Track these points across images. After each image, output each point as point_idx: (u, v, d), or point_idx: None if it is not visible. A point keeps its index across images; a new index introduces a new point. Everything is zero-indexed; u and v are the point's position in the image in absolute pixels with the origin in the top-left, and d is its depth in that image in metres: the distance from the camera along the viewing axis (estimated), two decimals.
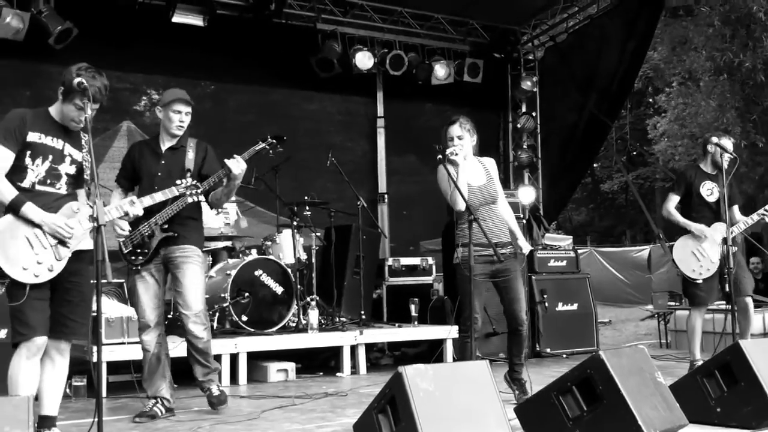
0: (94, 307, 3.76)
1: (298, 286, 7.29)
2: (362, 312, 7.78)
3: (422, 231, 10.29)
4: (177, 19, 8.49)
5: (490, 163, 5.51)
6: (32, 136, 4.01)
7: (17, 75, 8.21)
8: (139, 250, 5.16)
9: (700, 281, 6.42)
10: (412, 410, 3.47)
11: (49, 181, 4.05)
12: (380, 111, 10.56)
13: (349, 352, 7.25)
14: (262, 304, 7.03)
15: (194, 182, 4.95)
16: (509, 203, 5.65)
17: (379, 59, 9.85)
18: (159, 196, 4.78)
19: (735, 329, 5.95)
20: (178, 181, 4.92)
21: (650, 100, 25.83)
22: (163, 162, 5.24)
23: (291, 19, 9.37)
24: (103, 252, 3.54)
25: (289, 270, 7.23)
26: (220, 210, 7.32)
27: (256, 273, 7.03)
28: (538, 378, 5.23)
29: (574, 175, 11.73)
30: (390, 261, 8.84)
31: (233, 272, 6.88)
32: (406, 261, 8.94)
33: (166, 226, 5.13)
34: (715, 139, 6.51)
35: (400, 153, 10.70)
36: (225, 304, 6.80)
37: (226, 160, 5.10)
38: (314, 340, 7.11)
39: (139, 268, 5.19)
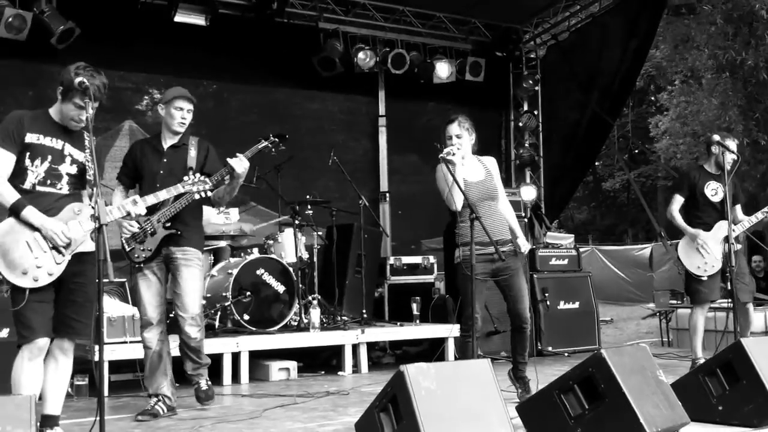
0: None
1: (300, 285, 7.29)
2: (364, 311, 7.79)
3: (424, 230, 10.29)
4: (179, 18, 8.50)
5: (490, 162, 5.51)
6: (30, 137, 4.02)
7: (20, 75, 8.21)
8: (142, 248, 5.17)
9: (705, 278, 6.47)
10: (414, 409, 3.47)
11: (49, 182, 4.05)
12: (382, 110, 10.55)
13: (350, 350, 7.26)
14: (263, 303, 7.04)
15: (202, 177, 4.94)
16: (511, 201, 5.66)
17: (381, 58, 9.85)
18: (163, 194, 4.77)
19: (741, 324, 6.01)
20: (185, 178, 4.91)
21: (652, 98, 25.79)
22: (165, 160, 5.24)
23: (293, 18, 9.38)
24: (105, 252, 3.55)
25: (291, 269, 7.24)
26: (220, 210, 7.33)
27: (258, 272, 7.04)
28: (539, 376, 5.23)
29: (575, 173, 11.72)
30: (391, 260, 8.85)
31: (235, 271, 6.88)
32: (407, 260, 8.95)
33: (169, 224, 5.14)
34: (717, 138, 6.51)
35: (402, 152, 10.70)
36: (227, 303, 6.81)
37: (229, 159, 5.10)
38: (316, 338, 7.12)
39: (141, 265, 5.20)
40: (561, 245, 9.07)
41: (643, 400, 3.79)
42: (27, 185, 4.02)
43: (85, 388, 6.10)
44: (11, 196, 3.94)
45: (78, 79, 3.92)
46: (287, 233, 7.61)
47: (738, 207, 6.68)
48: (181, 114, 5.25)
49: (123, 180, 5.36)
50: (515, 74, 11.18)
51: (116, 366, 6.32)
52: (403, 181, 10.64)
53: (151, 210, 5.00)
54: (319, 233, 7.93)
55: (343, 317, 7.74)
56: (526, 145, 11.18)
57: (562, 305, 8.58)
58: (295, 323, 7.30)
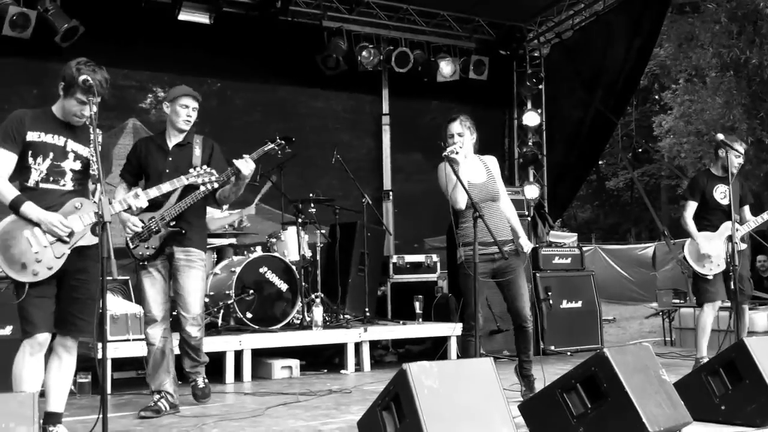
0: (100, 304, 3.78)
1: (303, 284, 7.31)
2: (366, 309, 7.80)
3: (427, 228, 10.28)
4: (183, 16, 8.51)
5: (491, 161, 5.51)
6: (31, 136, 4.05)
7: (24, 73, 8.22)
8: (146, 246, 5.19)
9: (710, 277, 6.55)
10: (417, 407, 3.47)
11: (52, 179, 4.08)
12: (385, 108, 10.55)
13: (353, 349, 7.27)
14: (266, 301, 7.05)
15: (209, 169, 4.96)
16: (514, 200, 5.66)
17: (384, 56, 9.86)
18: (166, 186, 4.78)
19: (738, 326, 6.05)
20: (191, 170, 4.93)
21: (656, 96, 25.76)
22: (170, 159, 5.26)
23: (297, 16, 9.38)
24: (109, 249, 3.55)
25: (294, 267, 7.25)
26: (224, 209, 7.33)
27: (261, 270, 7.05)
28: (542, 375, 5.23)
29: (579, 172, 11.72)
30: (394, 258, 8.86)
31: (238, 269, 6.89)
32: (410, 258, 8.96)
33: (173, 222, 5.15)
34: (721, 137, 6.53)
35: (406, 150, 10.70)
36: (230, 301, 6.82)
37: (235, 161, 5.11)
38: (318, 337, 7.12)
39: (145, 263, 5.22)
40: (564, 244, 9.06)
41: (646, 400, 3.78)
42: (31, 183, 4.05)
43: (88, 386, 6.10)
44: (10, 193, 3.98)
45: (82, 77, 3.94)
46: (290, 231, 7.61)
47: (746, 208, 6.72)
48: (186, 112, 5.28)
49: (126, 177, 5.37)
50: (519, 73, 11.17)
51: (119, 363, 6.34)
52: (407, 179, 10.64)
53: (157, 207, 5.03)
54: (323, 231, 7.93)
55: (346, 315, 7.75)
56: (530, 143, 11.18)
57: (564, 304, 8.58)
58: (298, 321, 7.31)
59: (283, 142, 5.49)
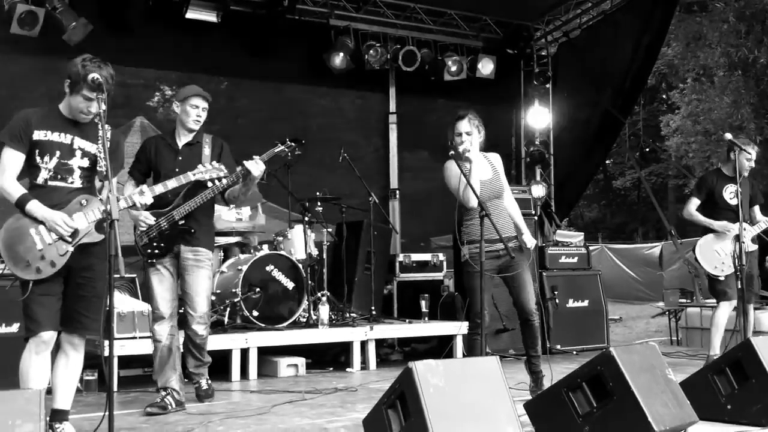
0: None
1: (309, 282, 7.31)
2: (372, 308, 7.79)
3: (433, 227, 10.28)
4: (190, 15, 8.52)
5: (495, 158, 5.53)
6: (38, 135, 4.07)
7: (32, 71, 8.23)
8: (155, 244, 5.20)
9: (723, 278, 6.59)
10: (422, 406, 3.47)
11: (60, 176, 4.10)
12: (393, 107, 10.55)
13: (359, 347, 7.27)
14: (273, 299, 7.05)
15: (218, 164, 4.97)
16: (521, 199, 5.66)
17: (392, 55, 9.85)
18: (172, 183, 4.79)
19: (744, 325, 6.05)
20: (200, 166, 4.94)
21: (664, 96, 25.72)
22: (180, 158, 5.27)
23: (304, 15, 9.38)
24: (116, 247, 3.57)
25: (300, 265, 7.25)
26: (231, 207, 7.34)
27: (268, 268, 7.06)
28: (547, 374, 5.23)
29: (586, 171, 11.68)
30: (401, 257, 8.85)
31: (245, 267, 6.90)
32: (416, 257, 8.94)
33: (183, 221, 5.16)
34: (729, 136, 6.51)
35: (412, 149, 10.69)
36: (236, 299, 6.83)
37: (245, 162, 5.12)
38: (324, 335, 7.13)
39: (153, 261, 5.23)
40: (571, 243, 9.04)
41: (652, 399, 3.78)
42: (40, 180, 4.08)
43: (94, 383, 6.13)
44: (17, 191, 4.01)
45: (91, 75, 3.95)
46: (297, 230, 7.62)
47: (756, 208, 6.72)
48: (196, 112, 5.30)
49: (135, 175, 5.39)
50: (526, 72, 11.15)
51: (126, 361, 6.35)
52: (414, 178, 10.63)
53: (166, 205, 5.06)
54: (329, 230, 7.94)
55: (352, 314, 7.75)
56: (537, 142, 11.16)
57: (571, 303, 8.56)
58: (304, 320, 7.31)
59: (293, 144, 5.51)
